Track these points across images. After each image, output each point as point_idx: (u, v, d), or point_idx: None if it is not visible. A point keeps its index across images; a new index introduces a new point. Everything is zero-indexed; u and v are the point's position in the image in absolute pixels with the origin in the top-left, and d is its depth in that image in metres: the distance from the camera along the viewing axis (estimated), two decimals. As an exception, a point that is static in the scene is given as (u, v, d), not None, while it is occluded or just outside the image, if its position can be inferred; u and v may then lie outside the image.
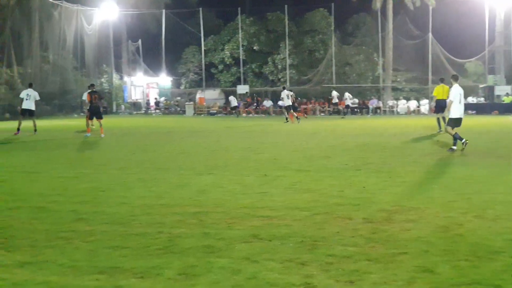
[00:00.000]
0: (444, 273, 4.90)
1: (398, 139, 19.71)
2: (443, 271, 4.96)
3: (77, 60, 52.43)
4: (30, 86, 25.20)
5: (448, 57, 51.16)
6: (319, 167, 12.33)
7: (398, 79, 55.02)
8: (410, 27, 53.60)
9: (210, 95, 55.60)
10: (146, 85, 59.22)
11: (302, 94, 53.40)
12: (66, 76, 50.49)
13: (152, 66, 59.42)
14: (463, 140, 15.24)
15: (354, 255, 5.44)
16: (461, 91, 15.91)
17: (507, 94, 46.81)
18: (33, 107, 24.22)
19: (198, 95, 56.12)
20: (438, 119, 22.80)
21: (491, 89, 49.28)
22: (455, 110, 15.68)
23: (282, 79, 56.60)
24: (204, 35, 57.15)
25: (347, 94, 43.60)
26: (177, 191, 9.19)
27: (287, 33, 54.85)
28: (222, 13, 60.34)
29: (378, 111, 49.78)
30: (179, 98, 58.23)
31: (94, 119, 23.82)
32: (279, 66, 56.79)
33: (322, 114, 49.88)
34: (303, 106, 49.59)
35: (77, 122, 34.86)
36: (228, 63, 58.83)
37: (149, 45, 59.45)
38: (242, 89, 54.07)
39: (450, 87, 16.35)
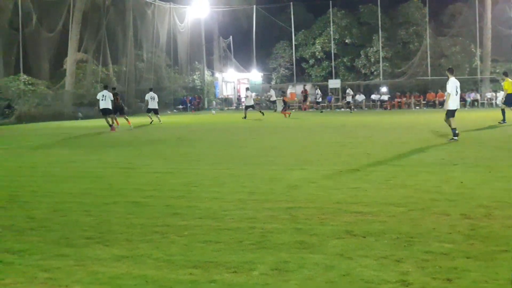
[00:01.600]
0: (552, 273, 4.63)
1: (497, 133, 18.96)
2: (551, 271, 4.69)
3: (170, 58, 53.66)
4: (106, 88, 26.77)
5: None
6: (414, 161, 12.04)
7: (497, 71, 52.90)
8: (510, 16, 51.40)
9: (301, 89, 55.45)
10: (237, 80, 59.89)
11: (397, 87, 52.45)
12: (159, 74, 51.83)
13: (243, 62, 60.02)
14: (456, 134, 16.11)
15: (452, 252, 5.24)
16: (457, 83, 16.68)
17: None
18: (109, 106, 25.67)
19: (289, 90, 56.15)
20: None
21: None
22: (454, 102, 16.54)
23: (375, 72, 55.78)
24: (294, 30, 57.14)
25: (348, 90, 43.01)
26: (269, 186, 9.19)
27: (380, 26, 53.94)
28: (313, 6, 59.99)
29: (476, 103, 48.12)
30: (269, 93, 58.50)
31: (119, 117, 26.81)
32: (372, 59, 55.93)
33: (417, 107, 48.72)
34: (397, 100, 48.75)
35: (170, 118, 35.73)
36: (319, 57, 58.50)
37: (240, 41, 60.07)
38: (334, 83, 53.65)
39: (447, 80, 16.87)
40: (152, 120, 31.05)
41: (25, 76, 39.04)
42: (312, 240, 5.80)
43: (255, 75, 59.50)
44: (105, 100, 25.37)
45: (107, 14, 46.92)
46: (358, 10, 58.72)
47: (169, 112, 49.18)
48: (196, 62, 57.17)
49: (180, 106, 53.53)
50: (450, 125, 16.44)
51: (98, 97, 25.99)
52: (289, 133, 21.79)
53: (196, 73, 57.18)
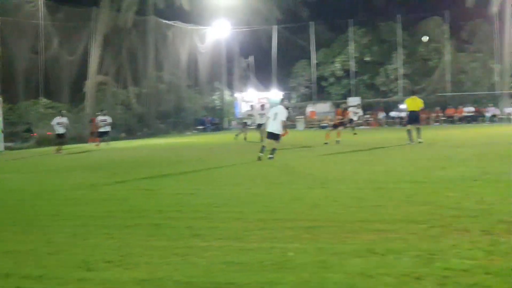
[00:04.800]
0: None
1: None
2: None
3: (190, 78, 54.11)
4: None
5: None
6: (435, 178, 12.01)
7: (517, 86, 52.72)
8: (529, 31, 51.30)
9: (320, 108, 55.58)
10: (257, 100, 60.16)
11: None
12: (180, 94, 52.26)
13: (263, 81, 60.37)
14: None
15: (472, 269, 5.26)
16: None
17: None
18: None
19: (308, 109, 56.27)
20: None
21: None
22: None
23: (394, 89, 55.76)
24: (315, 48, 57.39)
25: (351, 108, 43.37)
26: (291, 206, 9.23)
27: (400, 43, 54.00)
28: (333, 25, 60.30)
29: (495, 119, 47.91)
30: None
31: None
32: (391, 76, 55.94)
33: (437, 123, 48.56)
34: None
35: (189, 139, 35.90)
36: (338, 75, 58.61)
37: (260, 61, 60.49)
38: (353, 101, 53.75)
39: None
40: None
41: (45, 100, 39.57)
42: (333, 259, 5.83)
43: (275, 94, 59.70)
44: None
45: (129, 36, 47.54)
46: (378, 28, 58.83)
47: (188, 133, 49.43)
48: (217, 82, 57.53)
49: (200, 126, 53.81)
50: None
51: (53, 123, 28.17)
52: (309, 151, 21.81)
53: (216, 93, 57.53)
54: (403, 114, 50.72)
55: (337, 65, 57.73)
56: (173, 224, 8.10)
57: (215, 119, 55.45)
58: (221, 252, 6.37)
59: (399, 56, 53.92)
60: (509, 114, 48.04)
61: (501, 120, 47.73)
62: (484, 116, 48.26)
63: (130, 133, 44.29)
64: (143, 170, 16.92)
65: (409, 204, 8.90)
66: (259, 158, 17.81)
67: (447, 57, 52.72)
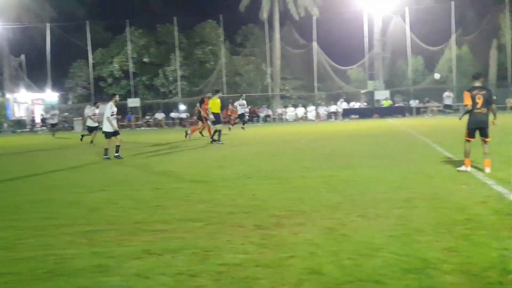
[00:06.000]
0: (330, 274, 5.09)
1: (287, 146, 20.21)
2: (329, 271, 5.16)
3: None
4: None
5: (332, 65, 53.37)
6: (213, 177, 12.42)
7: (286, 87, 56.41)
8: (296, 37, 55.22)
9: (100, 109, 54.29)
10: (31, 101, 57.17)
11: (195, 105, 53.50)
12: None
13: (37, 82, 57.45)
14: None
15: (244, 262, 5.54)
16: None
17: (386, 98, 49.44)
18: None
19: (86, 110, 54.76)
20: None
21: (371, 94, 51.60)
22: None
23: (173, 91, 56.50)
24: (92, 48, 56.08)
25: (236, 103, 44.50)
26: (69, 210, 8.94)
27: (177, 45, 54.82)
28: (111, 26, 59.41)
29: (268, 119, 50.81)
30: (67, 114, 56.68)
31: None
32: (170, 78, 56.61)
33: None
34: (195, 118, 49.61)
35: None
36: (117, 76, 57.90)
37: (33, 60, 57.52)
38: (133, 102, 53.53)
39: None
40: None
41: None
42: (110, 263, 5.78)
43: (51, 95, 57.18)
44: None
45: None
46: (155, 30, 59.16)
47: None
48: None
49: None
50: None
51: None
52: (90, 154, 21.30)
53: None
54: (184, 116, 51.92)
55: (116, 66, 56.86)
56: None
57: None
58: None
59: (177, 58, 54.72)
60: (280, 114, 51.26)
61: (274, 120, 50.78)
62: (258, 116, 50.91)
63: None
64: None
65: (187, 203, 9.13)
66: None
67: (223, 59, 54.65)
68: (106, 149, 17.92)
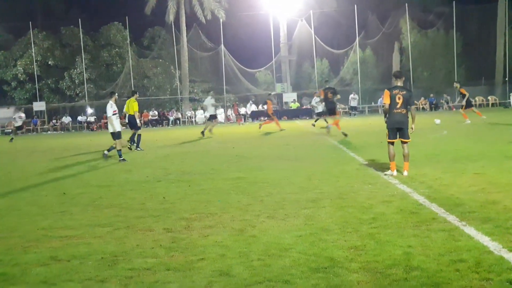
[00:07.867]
0: (239, 275, 5.14)
1: (197, 149, 20.17)
2: (238, 272, 5.21)
3: None
4: None
5: (240, 68, 53.71)
6: (121, 181, 12.26)
7: (195, 90, 56.23)
8: (204, 40, 55.17)
9: (3, 113, 52.30)
10: None
11: (103, 108, 52.38)
12: None
13: None
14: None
15: (154, 267, 5.52)
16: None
17: (294, 101, 50.32)
18: None
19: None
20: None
21: (280, 96, 52.33)
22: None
23: (80, 94, 55.15)
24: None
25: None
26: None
27: (82, 48, 53.56)
28: (12, 27, 57.13)
29: (178, 122, 50.52)
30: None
31: None
32: (76, 81, 55.20)
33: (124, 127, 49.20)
34: (103, 121, 48.71)
35: None
36: (22, 79, 55.84)
37: None
38: (39, 105, 51.97)
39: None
40: None
41: None
42: (14, 271, 5.61)
43: None
44: None
45: None
46: (60, 32, 57.54)
47: None
48: None
49: None
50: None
51: None
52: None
53: None
54: (91, 119, 50.81)
55: (20, 69, 54.86)
56: None
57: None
58: None
59: (83, 61, 53.44)
60: (190, 117, 51.05)
61: (183, 123, 50.52)
62: (168, 119, 50.50)
63: None
64: None
65: (94, 208, 8.96)
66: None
67: (130, 62, 53.80)
68: (118, 151, 17.08)
